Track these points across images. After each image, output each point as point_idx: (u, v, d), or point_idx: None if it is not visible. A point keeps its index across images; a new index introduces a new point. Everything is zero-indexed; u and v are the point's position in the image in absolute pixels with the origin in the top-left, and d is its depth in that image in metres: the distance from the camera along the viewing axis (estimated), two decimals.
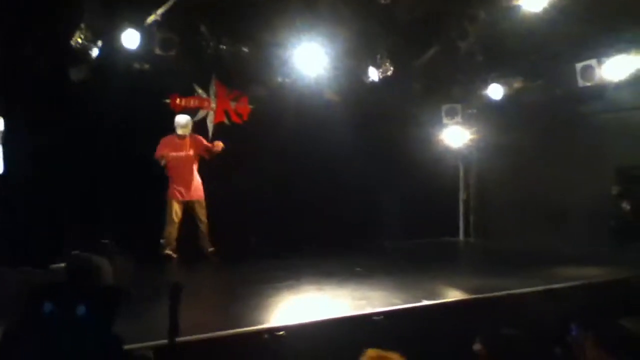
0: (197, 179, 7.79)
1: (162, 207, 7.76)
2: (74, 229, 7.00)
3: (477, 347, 3.56)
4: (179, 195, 7.64)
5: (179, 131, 7.69)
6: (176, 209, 7.62)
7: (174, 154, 7.59)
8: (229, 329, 4.14)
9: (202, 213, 7.73)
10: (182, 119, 7.78)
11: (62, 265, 6.08)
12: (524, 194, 8.91)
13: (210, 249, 7.75)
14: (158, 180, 7.74)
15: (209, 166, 8.12)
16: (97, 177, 7.34)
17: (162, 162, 7.51)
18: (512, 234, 8.86)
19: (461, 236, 10.12)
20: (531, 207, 8.78)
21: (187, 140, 7.75)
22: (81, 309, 2.09)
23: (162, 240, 7.64)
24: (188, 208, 7.70)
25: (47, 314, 2.12)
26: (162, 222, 7.70)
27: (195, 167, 7.80)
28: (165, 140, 7.66)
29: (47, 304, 2.14)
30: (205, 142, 7.88)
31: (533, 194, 8.76)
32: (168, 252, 7.58)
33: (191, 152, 7.73)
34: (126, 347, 2.71)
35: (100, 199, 7.39)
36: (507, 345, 3.48)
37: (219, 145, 7.70)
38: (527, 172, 8.82)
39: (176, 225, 7.62)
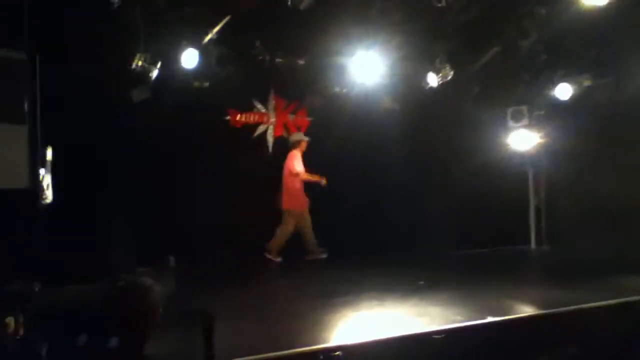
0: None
1: (223, 227, 7.84)
2: (129, 251, 7.16)
3: None
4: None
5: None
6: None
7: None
8: (281, 350, 4.06)
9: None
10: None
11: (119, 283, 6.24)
12: (596, 199, 8.38)
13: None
14: (221, 200, 7.82)
15: (274, 177, 8.23)
16: (159, 197, 7.47)
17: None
18: (585, 241, 8.36)
19: (533, 244, 9.68)
20: (603, 213, 8.26)
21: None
22: (114, 341, 2.07)
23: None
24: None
25: (81, 345, 2.11)
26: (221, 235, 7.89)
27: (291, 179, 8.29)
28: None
29: (81, 336, 2.13)
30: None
31: (605, 199, 8.23)
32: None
33: None
34: None
35: (159, 221, 7.50)
36: None
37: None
38: (598, 176, 8.29)
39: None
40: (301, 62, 8.21)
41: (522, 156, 9.37)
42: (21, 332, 3.14)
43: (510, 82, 8.87)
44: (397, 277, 6.78)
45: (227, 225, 7.97)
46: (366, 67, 7.90)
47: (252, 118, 8.74)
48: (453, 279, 6.72)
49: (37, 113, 3.27)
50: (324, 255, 8.28)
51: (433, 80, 8.22)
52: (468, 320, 4.72)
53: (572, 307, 4.85)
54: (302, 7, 6.57)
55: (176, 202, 7.59)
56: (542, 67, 8.41)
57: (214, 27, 7.30)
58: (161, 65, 7.13)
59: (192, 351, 3.22)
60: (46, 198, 4.33)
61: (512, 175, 9.45)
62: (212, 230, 7.85)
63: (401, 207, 8.95)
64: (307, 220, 8.19)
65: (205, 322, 2.37)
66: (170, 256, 7.79)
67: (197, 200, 7.77)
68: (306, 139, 8.39)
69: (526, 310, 5.08)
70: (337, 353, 4.19)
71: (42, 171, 4.16)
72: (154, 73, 7.13)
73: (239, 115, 8.60)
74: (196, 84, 8.02)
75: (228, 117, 8.51)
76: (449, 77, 8.18)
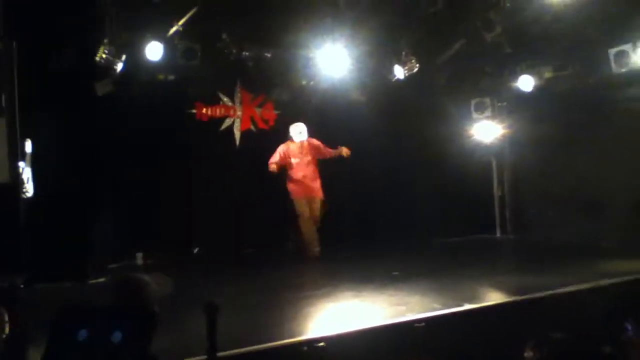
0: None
1: (193, 217, 7.78)
2: (107, 242, 7.05)
3: (528, 354, 3.41)
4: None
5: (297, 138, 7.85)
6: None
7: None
8: (265, 342, 4.02)
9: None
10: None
11: (102, 280, 6.19)
12: (560, 187, 8.63)
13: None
14: (185, 191, 7.74)
15: (241, 171, 8.15)
16: (126, 189, 7.35)
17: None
18: (550, 228, 8.60)
19: (498, 232, 9.88)
20: (568, 200, 8.50)
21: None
22: (117, 336, 2.00)
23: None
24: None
25: (82, 341, 2.03)
26: (191, 230, 7.76)
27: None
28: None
29: (82, 332, 2.05)
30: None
31: (569, 186, 8.48)
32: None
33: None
34: None
35: (130, 211, 7.39)
36: (559, 350, 3.31)
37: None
38: (562, 164, 8.53)
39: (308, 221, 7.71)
40: (268, 54, 8.15)
41: (486, 147, 9.55)
42: (7, 330, 3.03)
43: (474, 73, 9.01)
44: (372, 268, 6.81)
45: (198, 220, 7.90)
46: (333, 59, 7.90)
47: (218, 111, 8.62)
48: (426, 268, 6.78)
49: (15, 105, 3.14)
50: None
51: (399, 72, 8.27)
52: (446, 308, 4.78)
53: (548, 292, 4.97)
54: None
55: (145, 196, 7.47)
56: (506, 60, 8.55)
57: (179, 19, 7.18)
58: (126, 58, 6.97)
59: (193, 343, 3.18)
60: (26, 192, 4.18)
61: (476, 166, 9.62)
62: (182, 225, 7.78)
63: (369, 199, 9.02)
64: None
65: (209, 313, 2.33)
66: (138, 253, 7.74)
67: (166, 193, 7.66)
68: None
69: (502, 297, 5.16)
70: (321, 344, 4.18)
71: (21, 164, 4.02)
72: (119, 66, 6.98)
73: (204, 109, 8.48)
74: (161, 76, 7.91)
75: (194, 111, 8.37)
76: (415, 70, 8.25)
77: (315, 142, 7.95)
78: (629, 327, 3.27)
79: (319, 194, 7.81)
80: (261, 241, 8.31)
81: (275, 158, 7.73)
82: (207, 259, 7.90)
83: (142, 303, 2.52)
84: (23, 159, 4.27)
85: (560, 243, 7.98)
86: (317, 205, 7.80)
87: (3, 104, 3.12)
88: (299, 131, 7.84)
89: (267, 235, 8.31)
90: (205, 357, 2.51)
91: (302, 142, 7.85)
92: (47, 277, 4.95)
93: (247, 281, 6.52)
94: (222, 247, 8.08)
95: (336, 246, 7.98)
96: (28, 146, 4.67)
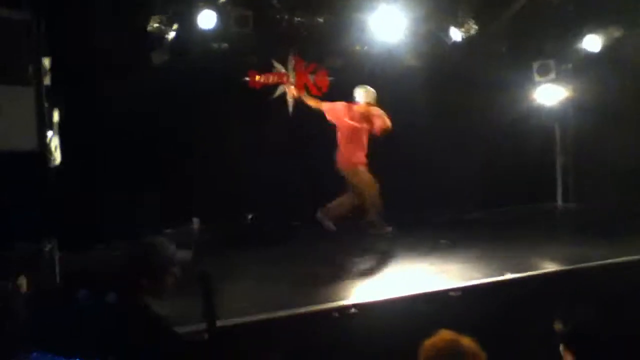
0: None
1: (248, 185, 7.87)
2: (161, 208, 7.26)
3: (558, 326, 3.29)
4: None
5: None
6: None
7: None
8: (296, 307, 4.08)
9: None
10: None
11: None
12: (627, 156, 8.12)
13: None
14: (239, 159, 7.84)
15: (295, 139, 8.14)
16: (181, 156, 7.50)
17: None
18: (614, 199, 8.16)
19: (559, 201, 9.49)
20: (633, 169, 8.01)
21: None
22: (112, 297, 2.10)
23: None
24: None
25: (81, 300, 2.15)
26: (246, 198, 7.84)
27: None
28: None
29: (82, 292, 2.16)
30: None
31: (635, 154, 7.99)
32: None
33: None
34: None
35: (186, 177, 7.55)
36: (589, 324, 3.17)
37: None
38: (629, 131, 8.03)
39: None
40: (320, 20, 8.05)
41: (549, 111, 9.12)
42: (26, 290, 3.20)
43: (537, 35, 8.56)
44: (419, 238, 6.72)
45: (253, 188, 7.99)
46: (387, 23, 7.70)
47: (271, 79, 8.63)
48: (476, 238, 6.64)
49: (42, 75, 3.26)
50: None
51: (456, 35, 7.99)
52: (487, 277, 4.67)
53: (592, 263, 4.76)
54: None
55: (196, 166, 7.62)
56: (570, 20, 8.08)
57: None
58: (178, 27, 7.08)
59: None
60: (54, 160, 4.38)
61: (538, 131, 9.21)
62: (235, 195, 7.90)
63: (426, 168, 8.79)
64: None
65: (203, 283, 2.37)
66: (194, 218, 7.97)
67: (218, 163, 7.79)
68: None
69: (547, 267, 4.99)
70: (352, 311, 4.20)
71: (49, 133, 4.20)
72: (171, 35, 7.10)
73: (257, 76, 8.51)
74: (214, 45, 7.97)
75: (247, 79, 8.43)
76: (473, 32, 7.94)
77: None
78: None
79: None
80: (311, 213, 8.24)
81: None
82: (256, 227, 7.96)
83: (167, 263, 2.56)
84: (51, 128, 4.45)
85: (620, 214, 7.57)
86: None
87: (30, 74, 3.24)
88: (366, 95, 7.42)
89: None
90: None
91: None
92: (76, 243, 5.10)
93: (285, 252, 6.56)
94: (275, 217, 8.17)
95: (384, 215, 7.90)
96: (56, 115, 4.85)
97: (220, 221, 7.76)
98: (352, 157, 7.32)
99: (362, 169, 7.33)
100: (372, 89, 7.55)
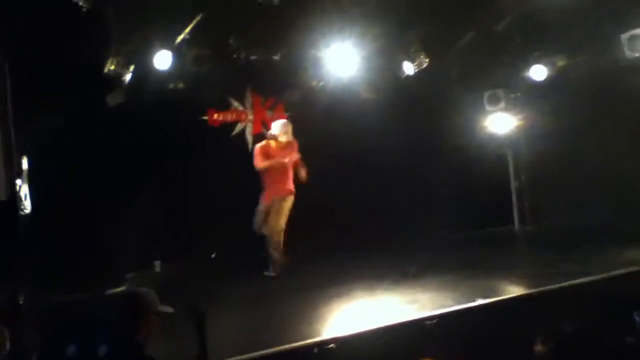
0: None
1: (208, 222, 7.79)
2: (123, 252, 7.10)
3: (538, 348, 3.34)
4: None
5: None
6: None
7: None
8: (275, 345, 4.03)
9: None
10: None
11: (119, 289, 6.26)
12: (579, 176, 8.45)
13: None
14: (199, 197, 7.77)
15: (253, 173, 8.11)
16: (140, 199, 7.38)
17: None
18: (571, 218, 8.44)
19: (516, 224, 9.75)
20: (588, 189, 8.34)
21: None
22: (103, 349, 2.03)
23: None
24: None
25: (71, 355, 2.07)
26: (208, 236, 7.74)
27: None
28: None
29: (71, 346, 2.08)
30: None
31: (589, 174, 8.31)
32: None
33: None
34: None
35: (146, 220, 7.43)
36: (571, 343, 3.24)
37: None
38: (580, 152, 8.38)
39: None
40: (276, 57, 8.13)
41: (501, 139, 9.43)
42: (7, 346, 3.05)
43: (486, 66, 8.88)
44: (386, 266, 6.76)
45: (213, 225, 7.92)
46: (342, 59, 7.86)
47: (229, 117, 8.66)
48: (440, 264, 6.72)
49: (9, 120, 3.16)
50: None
51: (409, 69, 8.21)
52: (458, 304, 4.73)
53: (563, 284, 4.89)
54: (275, 2, 6.52)
55: (160, 207, 7.53)
56: (517, 50, 8.42)
57: (186, 26, 7.22)
58: (134, 68, 7.03)
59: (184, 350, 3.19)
60: (24, 209, 4.23)
61: (492, 158, 9.51)
62: (198, 231, 7.82)
63: (383, 195, 8.94)
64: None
65: (197, 319, 2.33)
66: (156, 261, 7.82)
67: (180, 202, 7.73)
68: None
69: (516, 291, 5.10)
70: (331, 346, 4.18)
71: (18, 181, 4.07)
72: (128, 76, 7.04)
73: (216, 114, 8.52)
74: (170, 85, 7.95)
75: (205, 117, 8.42)
76: (425, 65, 8.17)
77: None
78: (637, 319, 3.18)
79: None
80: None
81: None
82: (223, 263, 7.89)
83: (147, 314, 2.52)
84: (20, 176, 4.32)
85: (578, 232, 7.83)
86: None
87: None
88: (284, 130, 7.25)
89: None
90: None
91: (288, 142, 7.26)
92: (62, 290, 4.99)
93: (258, 284, 6.50)
94: (239, 252, 8.09)
95: (350, 244, 7.94)
96: (25, 163, 4.72)
97: (183, 260, 7.66)
98: (287, 185, 7.17)
99: (291, 198, 7.20)
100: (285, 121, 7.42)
